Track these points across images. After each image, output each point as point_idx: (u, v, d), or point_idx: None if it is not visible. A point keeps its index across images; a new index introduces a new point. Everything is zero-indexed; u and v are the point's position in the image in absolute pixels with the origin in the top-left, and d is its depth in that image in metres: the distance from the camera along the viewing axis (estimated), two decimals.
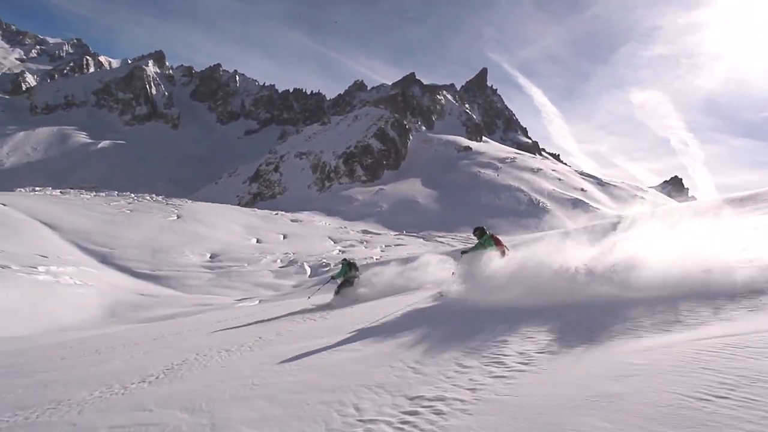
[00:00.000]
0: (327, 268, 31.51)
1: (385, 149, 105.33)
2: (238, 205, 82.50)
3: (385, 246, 46.78)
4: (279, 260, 36.23)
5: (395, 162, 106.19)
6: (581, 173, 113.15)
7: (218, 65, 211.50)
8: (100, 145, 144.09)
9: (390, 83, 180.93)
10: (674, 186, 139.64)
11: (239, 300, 20.79)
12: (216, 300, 22.07)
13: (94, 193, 58.13)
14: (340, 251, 41.07)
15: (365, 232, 61.12)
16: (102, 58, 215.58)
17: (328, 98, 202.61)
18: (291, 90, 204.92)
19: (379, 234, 60.24)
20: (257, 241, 43.92)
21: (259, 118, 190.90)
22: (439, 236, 61.12)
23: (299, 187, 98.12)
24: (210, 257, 36.33)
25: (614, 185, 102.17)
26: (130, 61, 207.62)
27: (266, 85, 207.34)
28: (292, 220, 60.38)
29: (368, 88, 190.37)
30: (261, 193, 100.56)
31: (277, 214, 64.25)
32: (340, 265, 11.64)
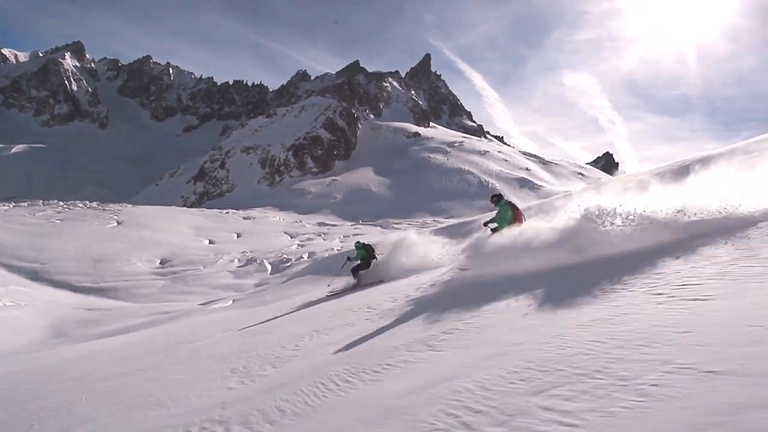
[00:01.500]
0: (288, 264, 30.72)
1: (335, 139, 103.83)
2: (184, 206, 77.93)
3: (344, 236, 46.37)
4: (236, 260, 34.78)
5: (346, 151, 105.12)
6: (524, 153, 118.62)
7: (148, 57, 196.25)
8: (13, 150, 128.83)
9: (334, 72, 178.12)
10: (607, 161, 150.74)
11: (205, 303, 19.65)
12: (177, 307, 20.70)
13: (13, 204, 52.07)
14: (298, 245, 40.18)
15: (321, 224, 60.28)
16: (6, 51, 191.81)
17: (270, 90, 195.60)
18: (231, 82, 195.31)
19: (336, 225, 59.68)
20: (210, 242, 41.84)
21: (199, 113, 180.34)
22: (396, 223, 61.64)
23: (249, 183, 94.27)
24: (160, 263, 34.08)
25: (555, 163, 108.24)
26: (41, 54, 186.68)
27: (203, 77, 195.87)
28: (244, 218, 58.15)
29: (312, 78, 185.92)
30: (208, 192, 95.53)
31: (227, 212, 61.54)
32: (355, 248, 11.31)
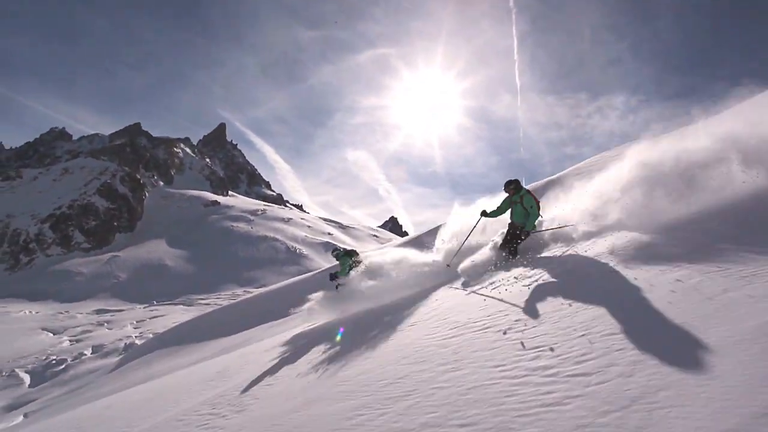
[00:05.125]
0: (63, 366, 23.93)
1: (115, 208, 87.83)
2: None
3: (137, 322, 39.09)
4: None
5: (129, 222, 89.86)
6: (325, 219, 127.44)
7: None
8: None
9: (107, 134, 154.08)
10: (393, 224, 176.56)
11: None
12: None
13: None
14: (71, 341, 31.64)
15: (100, 311, 48.92)
16: None
17: (7, 147, 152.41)
18: None
19: (122, 310, 49.48)
20: None
21: None
22: (201, 299, 55.77)
23: None
24: None
25: (353, 228, 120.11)
26: None
27: None
28: None
29: (75, 138, 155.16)
30: None
31: None
32: (339, 261, 8.73)
